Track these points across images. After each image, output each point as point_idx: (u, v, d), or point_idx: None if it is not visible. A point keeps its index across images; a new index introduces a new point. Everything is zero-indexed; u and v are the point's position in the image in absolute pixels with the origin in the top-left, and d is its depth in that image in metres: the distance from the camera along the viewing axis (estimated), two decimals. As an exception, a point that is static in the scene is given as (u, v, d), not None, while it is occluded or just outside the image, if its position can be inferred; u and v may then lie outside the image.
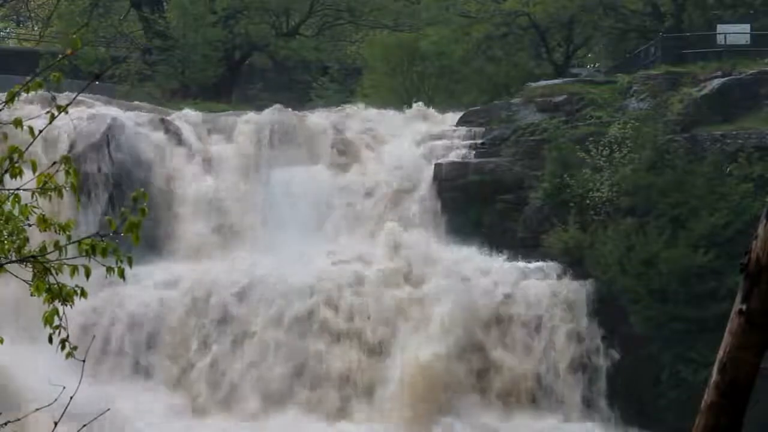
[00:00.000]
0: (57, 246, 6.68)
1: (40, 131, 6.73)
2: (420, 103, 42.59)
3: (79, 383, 7.92)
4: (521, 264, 34.48)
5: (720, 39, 42.07)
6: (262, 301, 33.75)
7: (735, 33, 42.16)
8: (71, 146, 35.51)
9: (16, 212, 6.85)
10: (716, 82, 37.14)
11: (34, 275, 6.79)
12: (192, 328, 33.58)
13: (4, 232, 6.88)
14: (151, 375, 33.15)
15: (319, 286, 33.86)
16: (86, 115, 36.98)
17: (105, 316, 33.47)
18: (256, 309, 33.63)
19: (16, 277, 6.84)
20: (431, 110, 42.05)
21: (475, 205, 36.42)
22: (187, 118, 39.60)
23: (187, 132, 38.66)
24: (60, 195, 6.73)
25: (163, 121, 38.71)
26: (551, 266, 34.17)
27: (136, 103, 41.80)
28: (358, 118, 40.97)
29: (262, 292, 33.89)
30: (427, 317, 33.09)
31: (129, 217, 6.64)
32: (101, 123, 36.85)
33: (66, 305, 6.78)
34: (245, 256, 35.36)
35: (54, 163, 6.72)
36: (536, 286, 33.77)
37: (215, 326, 33.59)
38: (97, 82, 40.23)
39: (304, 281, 33.93)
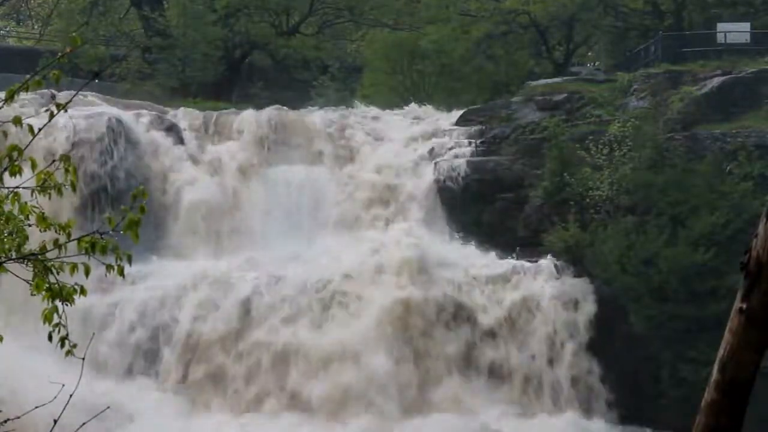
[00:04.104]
0: (56, 244, 6.66)
1: (40, 129, 6.72)
2: (420, 103, 42.60)
3: (79, 381, 7.90)
4: (521, 262, 34.44)
5: (720, 37, 42.05)
6: (265, 301, 33.72)
7: (735, 31, 42.13)
8: (72, 145, 35.49)
9: (15, 211, 6.83)
10: (716, 81, 37.13)
11: (35, 274, 6.77)
12: (193, 327, 33.56)
13: (5, 231, 6.86)
14: (157, 373, 33.14)
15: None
16: (85, 113, 36.93)
17: (110, 314, 33.49)
18: (260, 308, 33.60)
19: (16, 276, 6.82)
20: (431, 109, 42.04)
21: (475, 203, 36.39)
22: (186, 116, 39.56)
23: (187, 131, 38.65)
24: (60, 193, 6.71)
25: (162, 119, 38.68)
26: (551, 265, 34.13)
27: (136, 101, 41.75)
28: (359, 116, 40.95)
29: (264, 291, 33.87)
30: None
31: (129, 214, 6.62)
32: (100, 122, 36.81)
33: (66, 305, 6.76)
34: (245, 255, 35.34)
35: (53, 161, 6.71)
36: (536, 285, 33.72)
37: (221, 325, 33.56)
38: (96, 81, 40.19)
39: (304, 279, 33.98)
